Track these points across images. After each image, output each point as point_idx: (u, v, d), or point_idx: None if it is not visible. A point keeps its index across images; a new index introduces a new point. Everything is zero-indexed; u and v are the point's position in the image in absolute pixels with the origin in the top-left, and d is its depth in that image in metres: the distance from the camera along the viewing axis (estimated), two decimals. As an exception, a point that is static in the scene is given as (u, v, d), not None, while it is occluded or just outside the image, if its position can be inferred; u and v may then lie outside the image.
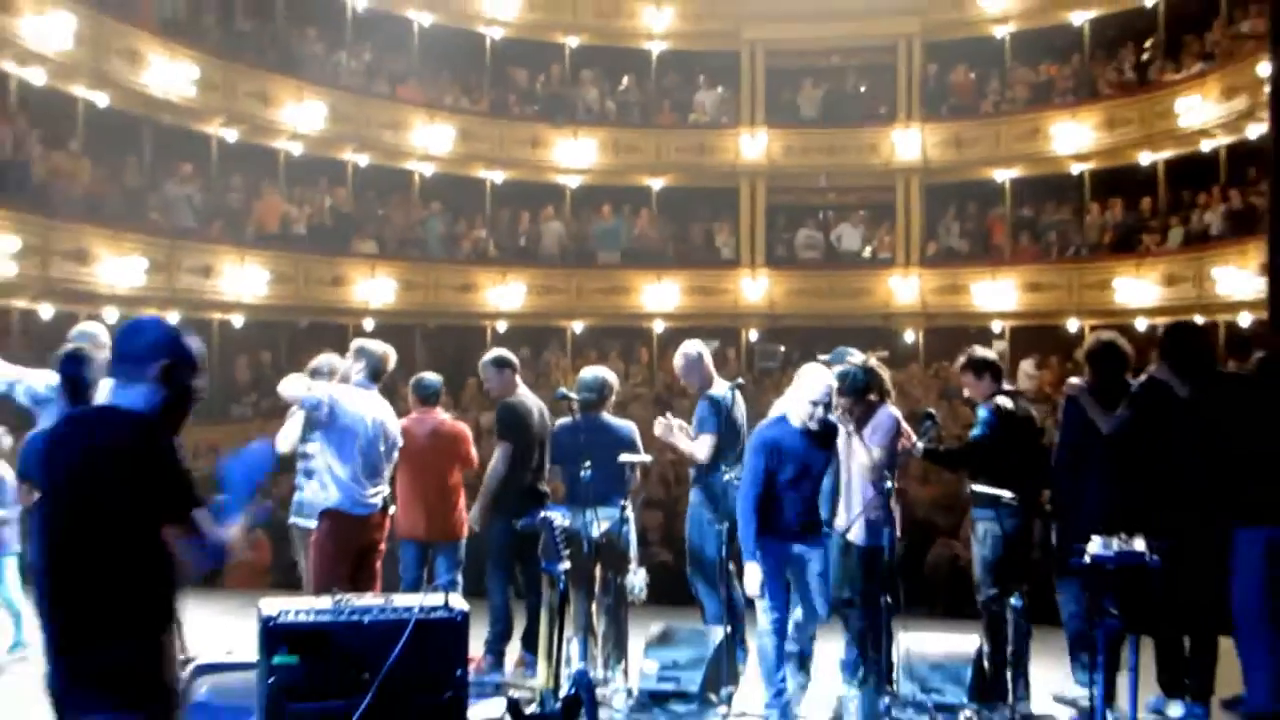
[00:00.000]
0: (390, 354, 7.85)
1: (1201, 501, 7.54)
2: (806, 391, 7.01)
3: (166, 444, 3.72)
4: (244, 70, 22.43)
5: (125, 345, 3.91)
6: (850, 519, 7.54)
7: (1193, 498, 7.57)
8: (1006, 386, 8.08)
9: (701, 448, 8.20)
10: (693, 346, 8.61)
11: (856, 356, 7.96)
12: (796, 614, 7.41)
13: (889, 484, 7.66)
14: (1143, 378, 7.83)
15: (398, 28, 25.64)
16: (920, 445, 7.87)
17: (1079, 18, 25.58)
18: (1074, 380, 8.05)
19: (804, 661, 7.77)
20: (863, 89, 28.43)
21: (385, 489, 7.80)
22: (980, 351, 8.22)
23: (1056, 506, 7.93)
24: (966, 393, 8.37)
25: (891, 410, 7.67)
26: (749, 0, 27.47)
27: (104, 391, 7.79)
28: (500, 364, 8.94)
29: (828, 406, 7.06)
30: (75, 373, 6.60)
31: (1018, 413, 7.87)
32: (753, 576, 7.04)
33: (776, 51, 28.01)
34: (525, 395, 8.94)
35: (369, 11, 25.06)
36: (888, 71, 27.72)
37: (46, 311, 17.90)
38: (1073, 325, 25.38)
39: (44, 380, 7.48)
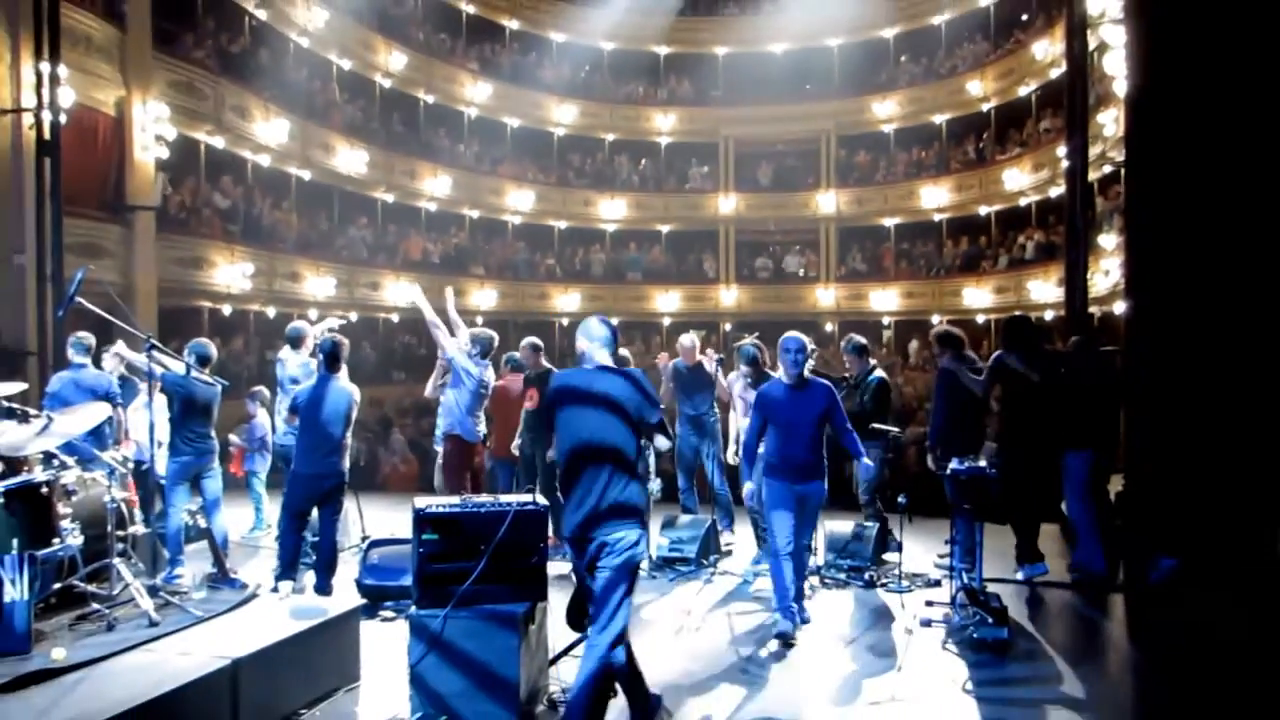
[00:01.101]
0: (495, 338, 7.77)
1: (1034, 435, 7.39)
2: (781, 345, 6.20)
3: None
4: (398, 156, 22.34)
5: (606, 334, 4.64)
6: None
7: (1028, 432, 7.43)
8: (872, 361, 7.97)
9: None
10: (688, 339, 8.59)
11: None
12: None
13: None
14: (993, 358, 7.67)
15: (497, 128, 25.49)
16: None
17: (939, 119, 25.33)
18: (944, 359, 7.84)
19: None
20: (798, 166, 28.10)
21: (484, 426, 7.70)
22: (857, 339, 8.07)
23: (933, 439, 7.83)
24: (847, 367, 8.02)
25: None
26: (725, 110, 27.19)
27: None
28: (535, 348, 8.50)
29: (800, 353, 6.05)
30: (334, 351, 6.67)
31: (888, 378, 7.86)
32: (746, 489, 6.87)
33: (742, 142, 27.72)
34: (549, 367, 8.52)
35: (478, 118, 24.89)
36: (814, 155, 27.40)
37: (270, 312, 17.89)
38: (935, 319, 25.14)
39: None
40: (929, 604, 6.55)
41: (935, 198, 25.19)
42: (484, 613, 4.70)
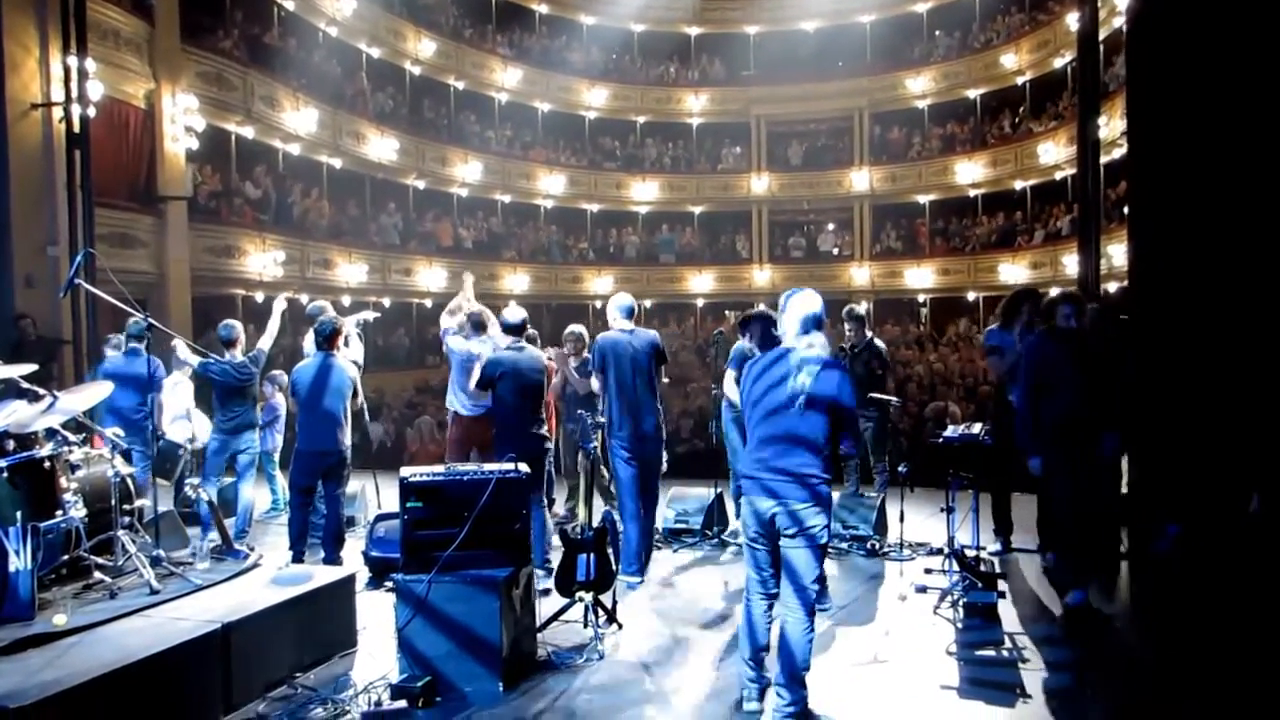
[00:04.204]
0: (484, 312, 7.70)
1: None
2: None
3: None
4: (429, 142, 22.55)
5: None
6: None
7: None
8: (869, 331, 7.93)
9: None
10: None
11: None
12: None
13: None
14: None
15: (528, 113, 25.63)
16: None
17: (973, 93, 25.03)
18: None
19: None
20: (831, 144, 27.86)
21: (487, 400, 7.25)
22: (857, 309, 8.01)
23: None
24: (849, 336, 7.90)
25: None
26: (756, 90, 27.05)
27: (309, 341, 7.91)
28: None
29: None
30: (331, 333, 6.82)
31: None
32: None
33: (774, 121, 27.60)
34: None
35: (509, 103, 25.04)
36: (847, 132, 27.22)
37: (304, 299, 18.11)
38: (971, 296, 24.95)
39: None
40: (928, 571, 6.56)
41: (970, 173, 24.89)
42: (467, 577, 4.82)
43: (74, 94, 11.45)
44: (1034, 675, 4.89)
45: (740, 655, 4.45)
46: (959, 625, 5.61)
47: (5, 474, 4.87)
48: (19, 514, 4.77)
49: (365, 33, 20.45)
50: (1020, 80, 23.76)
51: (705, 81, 27.68)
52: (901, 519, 7.25)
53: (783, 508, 4.13)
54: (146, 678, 4.14)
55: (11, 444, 5.39)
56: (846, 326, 7.90)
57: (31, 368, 5.75)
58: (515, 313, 6.68)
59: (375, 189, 21.38)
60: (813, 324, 4.26)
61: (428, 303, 22.35)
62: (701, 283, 27.16)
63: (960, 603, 5.73)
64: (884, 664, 5.09)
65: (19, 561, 4.69)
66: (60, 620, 4.52)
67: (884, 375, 7.76)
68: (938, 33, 25.97)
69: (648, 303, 27.23)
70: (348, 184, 20.42)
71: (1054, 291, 9.71)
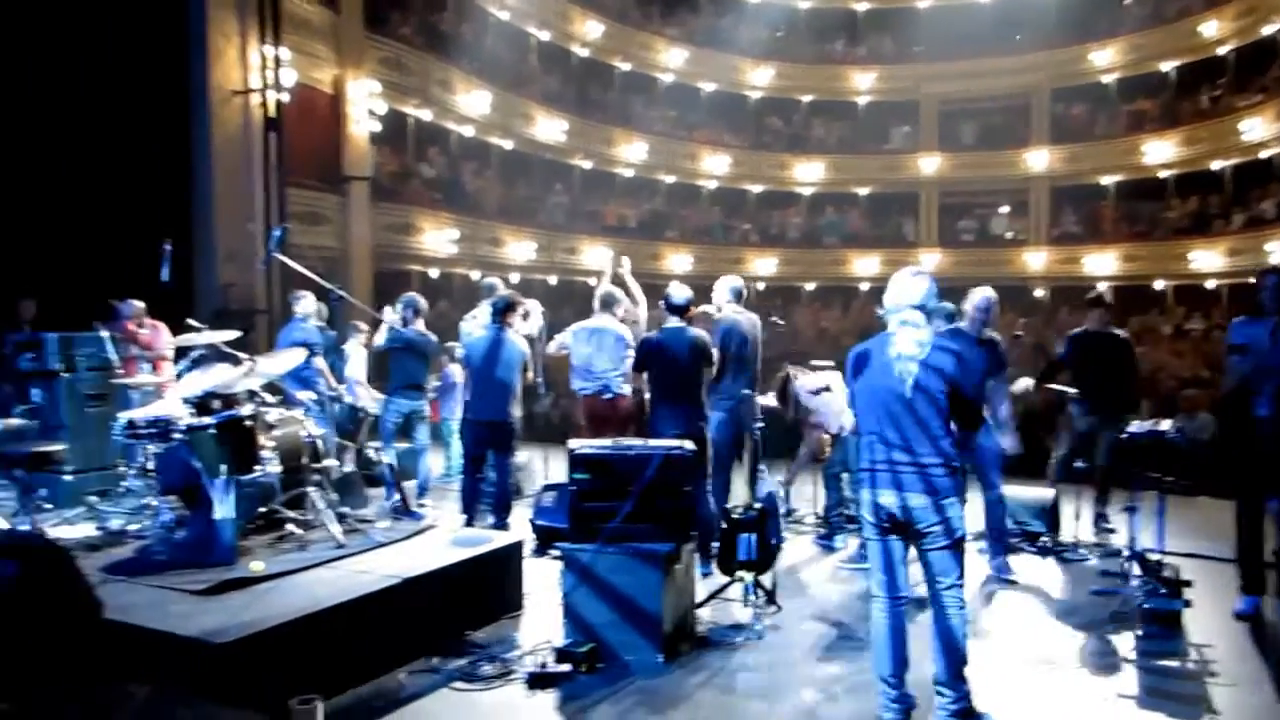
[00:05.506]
0: (615, 291, 7.50)
1: None
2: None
3: None
4: (595, 124, 22.91)
5: None
6: None
7: None
8: None
9: None
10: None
11: None
12: None
13: None
14: None
15: (692, 94, 25.59)
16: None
17: (1166, 65, 23.41)
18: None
19: None
20: (1006, 123, 26.64)
21: (607, 380, 7.09)
22: (1108, 296, 7.51)
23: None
24: (1087, 323, 7.37)
25: None
26: (926, 66, 26.11)
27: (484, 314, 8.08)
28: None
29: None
30: (507, 307, 7.03)
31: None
32: None
33: (946, 100, 26.58)
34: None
35: (674, 84, 25.09)
36: (1024, 110, 25.95)
37: (475, 275, 18.84)
38: (1159, 285, 23.51)
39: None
40: (1104, 574, 6.28)
41: (1160, 152, 23.38)
42: (631, 550, 4.93)
43: (270, 81, 12.28)
44: (1223, 691, 4.58)
45: (877, 673, 4.12)
46: (1138, 632, 5.33)
47: (213, 430, 5.29)
48: (224, 468, 5.19)
49: (534, 16, 20.93)
50: (1221, 50, 22.10)
51: (873, 59, 26.95)
52: (1078, 517, 6.96)
53: (906, 502, 3.94)
54: (334, 624, 4.44)
55: (218, 403, 5.85)
56: (1092, 314, 7.41)
57: (235, 334, 6.24)
58: (680, 292, 6.33)
59: (542, 169, 21.89)
60: (908, 305, 4.02)
61: (592, 281, 22.74)
62: (866, 266, 26.53)
63: (1141, 608, 5.45)
64: (1053, 665, 4.91)
65: (224, 511, 5.11)
66: (258, 567, 4.90)
67: (1127, 363, 7.29)
68: (1127, 1, 24.44)
69: (809, 285, 26.92)
70: (516, 164, 21.00)
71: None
